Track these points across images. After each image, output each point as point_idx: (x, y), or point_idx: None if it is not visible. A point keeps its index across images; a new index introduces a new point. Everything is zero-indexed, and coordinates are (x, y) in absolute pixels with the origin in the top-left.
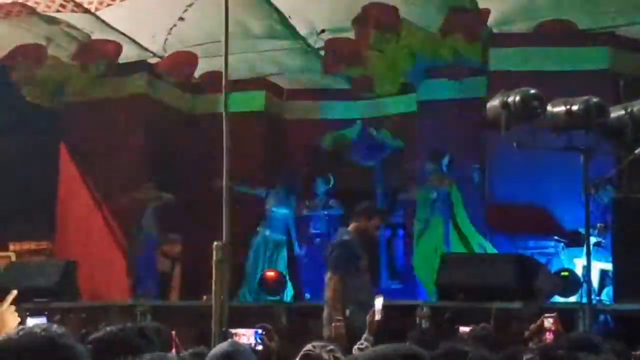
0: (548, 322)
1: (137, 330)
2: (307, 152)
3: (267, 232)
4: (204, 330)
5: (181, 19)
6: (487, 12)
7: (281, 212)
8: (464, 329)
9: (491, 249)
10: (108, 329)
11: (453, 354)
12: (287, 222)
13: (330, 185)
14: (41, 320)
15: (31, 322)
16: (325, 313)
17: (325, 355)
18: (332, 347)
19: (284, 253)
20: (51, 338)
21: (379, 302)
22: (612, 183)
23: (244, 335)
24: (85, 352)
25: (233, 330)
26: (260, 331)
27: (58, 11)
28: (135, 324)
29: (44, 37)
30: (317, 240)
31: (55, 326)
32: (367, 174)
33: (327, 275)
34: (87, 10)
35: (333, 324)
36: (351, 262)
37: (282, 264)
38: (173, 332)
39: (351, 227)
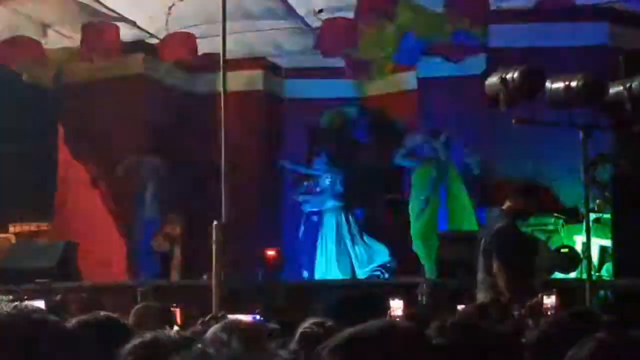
0: (548, 299)
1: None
2: (306, 131)
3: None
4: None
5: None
6: None
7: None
8: (462, 307)
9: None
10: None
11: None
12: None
13: (326, 161)
14: (40, 304)
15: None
16: (481, 297)
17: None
18: (330, 323)
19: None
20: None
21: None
22: (611, 160)
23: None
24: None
25: (230, 316)
26: (258, 317)
27: None
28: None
29: (41, 24)
30: (315, 218)
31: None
32: (368, 152)
33: (495, 266)
34: None
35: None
36: (513, 248)
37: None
38: (177, 310)
39: (505, 206)
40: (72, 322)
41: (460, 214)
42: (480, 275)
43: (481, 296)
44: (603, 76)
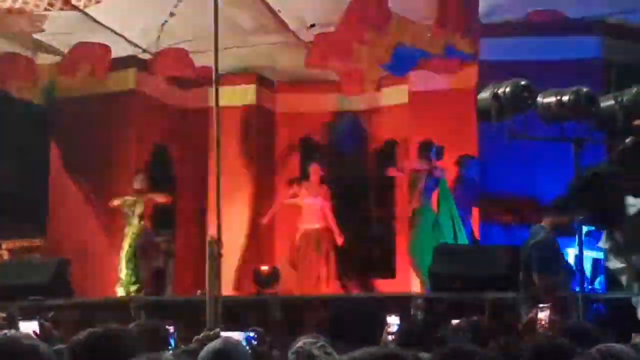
0: (543, 314)
1: (121, 332)
2: (299, 144)
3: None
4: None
5: (172, 14)
6: (476, 2)
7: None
8: (456, 321)
9: (464, 239)
10: (90, 330)
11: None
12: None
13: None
14: (33, 325)
15: (23, 326)
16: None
17: (315, 352)
18: (322, 343)
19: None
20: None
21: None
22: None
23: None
24: (50, 353)
25: (223, 333)
26: (251, 334)
27: (46, 9)
28: (118, 326)
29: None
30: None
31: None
32: (359, 165)
33: (535, 277)
34: (75, 8)
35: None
36: (552, 260)
37: None
38: (171, 328)
39: (545, 222)
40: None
41: (448, 228)
42: (522, 292)
43: (524, 312)
44: (595, 89)
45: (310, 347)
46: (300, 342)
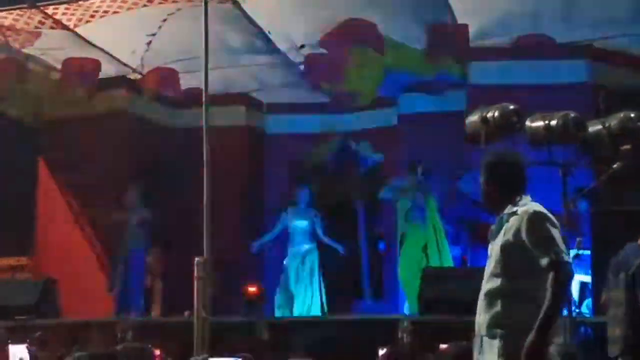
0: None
1: (108, 356)
2: (288, 166)
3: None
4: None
5: (161, 34)
6: (466, 27)
7: (301, 225)
8: (444, 346)
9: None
10: (77, 355)
11: None
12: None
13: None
14: (21, 348)
15: (12, 349)
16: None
17: None
18: None
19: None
20: None
21: None
22: (588, 197)
23: None
24: None
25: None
26: None
27: (37, 28)
28: (108, 349)
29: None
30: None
31: None
32: (348, 187)
33: None
34: (65, 27)
35: None
36: None
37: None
38: (157, 351)
39: None
40: None
41: (434, 250)
42: (619, 310)
43: (618, 332)
44: (583, 114)
45: None
46: None
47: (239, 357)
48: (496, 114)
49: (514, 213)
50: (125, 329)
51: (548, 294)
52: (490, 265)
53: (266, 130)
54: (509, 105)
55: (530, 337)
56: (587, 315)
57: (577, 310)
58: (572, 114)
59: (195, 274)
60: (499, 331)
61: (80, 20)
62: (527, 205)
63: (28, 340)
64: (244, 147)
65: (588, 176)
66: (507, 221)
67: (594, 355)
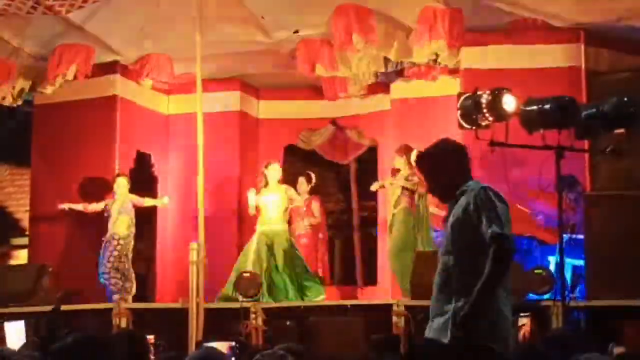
0: (522, 323)
1: (98, 340)
2: (282, 151)
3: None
4: (181, 333)
5: (154, 20)
6: (459, 11)
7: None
8: None
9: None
10: (69, 338)
11: None
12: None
13: (312, 184)
14: (19, 325)
15: (8, 326)
16: None
17: None
18: (282, 353)
19: None
20: None
21: None
22: (578, 180)
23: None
24: None
25: (206, 344)
26: (234, 344)
27: (29, 13)
28: (98, 333)
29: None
30: (303, 241)
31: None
32: (342, 173)
33: None
34: (58, 13)
35: None
36: None
37: None
38: (149, 337)
39: None
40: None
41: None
42: None
43: None
44: (576, 98)
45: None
46: (258, 355)
47: (233, 341)
48: (489, 98)
49: (463, 192)
50: (119, 315)
51: (486, 267)
52: (442, 244)
53: (260, 116)
54: (502, 89)
55: (466, 307)
56: (580, 300)
57: (571, 295)
58: (566, 98)
59: (190, 258)
60: (451, 306)
61: (72, 6)
62: (470, 185)
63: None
64: (238, 132)
65: (582, 160)
66: (457, 201)
67: (587, 339)
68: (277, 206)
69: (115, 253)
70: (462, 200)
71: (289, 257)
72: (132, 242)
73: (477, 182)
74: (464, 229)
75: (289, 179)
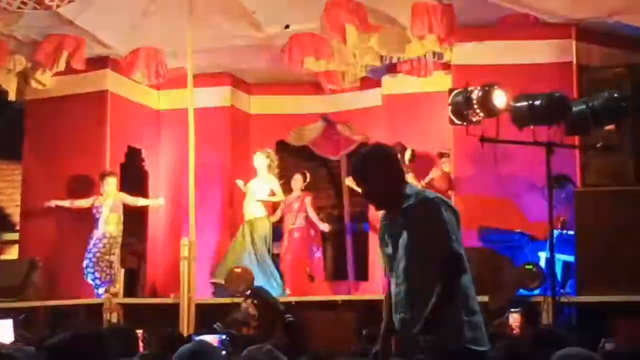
0: (513, 318)
1: (93, 336)
2: (274, 147)
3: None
4: (172, 328)
5: (145, 14)
6: (451, 7)
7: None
8: None
9: None
10: (62, 335)
11: None
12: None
13: (307, 182)
14: (7, 323)
15: None
16: None
17: (260, 357)
18: (268, 347)
19: None
20: None
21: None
22: (570, 179)
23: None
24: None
25: (196, 337)
26: (224, 337)
27: (19, 8)
28: (92, 329)
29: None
30: (296, 235)
31: None
32: (333, 168)
33: None
34: (48, 7)
35: None
36: None
37: None
38: (140, 332)
39: None
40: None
41: None
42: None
43: None
44: (567, 93)
45: (255, 353)
46: (245, 350)
47: (223, 334)
48: (480, 94)
49: (411, 205)
50: (111, 310)
51: (441, 283)
52: (400, 264)
53: (251, 111)
54: (493, 85)
55: (426, 314)
56: (571, 295)
57: (561, 291)
58: (556, 94)
59: (181, 254)
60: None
61: (62, 0)
62: (421, 193)
63: (12, 316)
64: (229, 127)
65: (572, 156)
66: (407, 214)
67: (577, 335)
68: (259, 193)
69: (103, 249)
70: (411, 211)
71: (264, 246)
72: (120, 240)
73: (422, 190)
74: (414, 241)
75: (280, 173)
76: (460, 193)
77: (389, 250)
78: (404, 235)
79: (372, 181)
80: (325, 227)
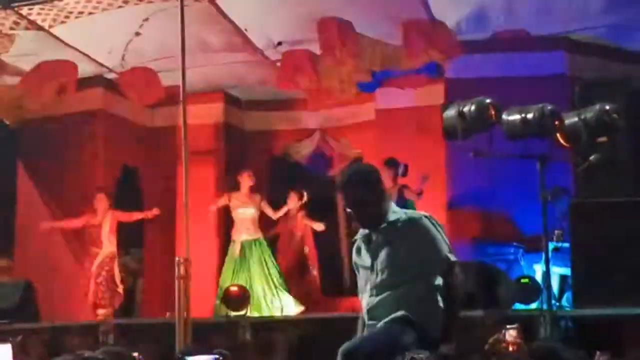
0: (509, 335)
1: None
2: (267, 163)
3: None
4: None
5: (138, 33)
6: (443, 24)
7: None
8: None
9: None
10: (60, 358)
11: None
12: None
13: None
14: (5, 347)
15: None
16: None
17: None
18: None
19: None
20: None
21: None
22: (566, 191)
23: None
24: None
25: (189, 358)
26: (217, 357)
27: (12, 29)
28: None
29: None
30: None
31: None
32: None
33: None
34: (40, 28)
35: None
36: None
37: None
38: (136, 354)
39: None
40: None
41: None
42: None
43: None
44: (560, 106)
45: None
46: None
47: (216, 355)
48: (472, 107)
49: (398, 221)
50: (106, 331)
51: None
52: (380, 276)
53: (245, 127)
54: (485, 98)
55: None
56: (568, 309)
57: (558, 304)
58: (549, 107)
59: (176, 273)
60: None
61: (55, 20)
62: (407, 212)
63: (10, 339)
64: (223, 144)
65: (565, 169)
66: (393, 229)
67: (574, 348)
68: (251, 216)
69: (107, 268)
70: (400, 226)
71: (264, 267)
72: (117, 258)
73: (407, 210)
74: (411, 259)
75: (275, 189)
76: (454, 206)
77: (368, 262)
78: (387, 249)
79: (358, 201)
80: (319, 226)
